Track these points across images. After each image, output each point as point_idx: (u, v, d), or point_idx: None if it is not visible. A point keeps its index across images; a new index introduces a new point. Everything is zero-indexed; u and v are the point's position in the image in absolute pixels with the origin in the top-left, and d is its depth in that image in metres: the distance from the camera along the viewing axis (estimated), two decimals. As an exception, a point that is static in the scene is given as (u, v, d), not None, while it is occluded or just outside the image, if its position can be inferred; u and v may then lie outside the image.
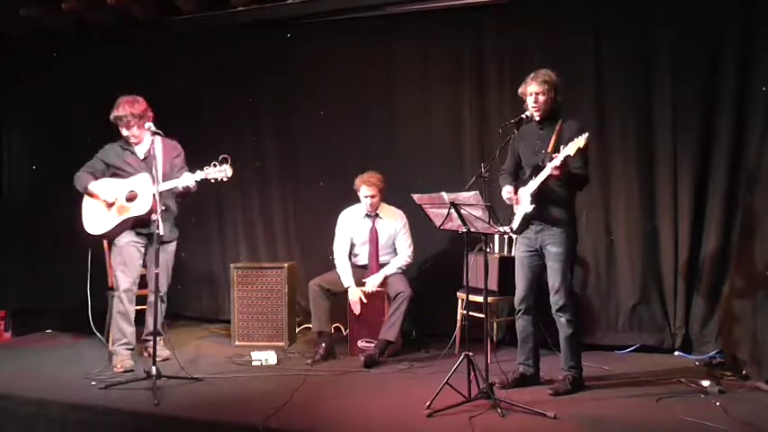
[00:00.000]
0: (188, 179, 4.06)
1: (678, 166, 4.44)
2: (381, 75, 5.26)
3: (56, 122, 5.81)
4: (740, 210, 4.20)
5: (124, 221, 4.12)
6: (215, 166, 4.02)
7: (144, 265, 4.29)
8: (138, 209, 4.07)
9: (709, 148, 4.36)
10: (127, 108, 4.10)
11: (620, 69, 4.56)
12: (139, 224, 4.14)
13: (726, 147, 4.27)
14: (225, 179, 4.04)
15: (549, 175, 3.42)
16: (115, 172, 4.21)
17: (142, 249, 4.24)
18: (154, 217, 3.80)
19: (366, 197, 4.57)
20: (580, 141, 3.28)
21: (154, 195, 3.89)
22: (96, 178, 4.18)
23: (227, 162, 4.01)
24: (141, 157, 4.22)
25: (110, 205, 4.12)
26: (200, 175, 4.05)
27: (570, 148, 3.29)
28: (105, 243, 4.56)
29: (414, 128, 5.16)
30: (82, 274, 4.63)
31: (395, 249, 4.70)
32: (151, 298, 4.19)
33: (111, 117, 4.13)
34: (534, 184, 3.51)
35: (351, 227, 4.72)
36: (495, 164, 3.64)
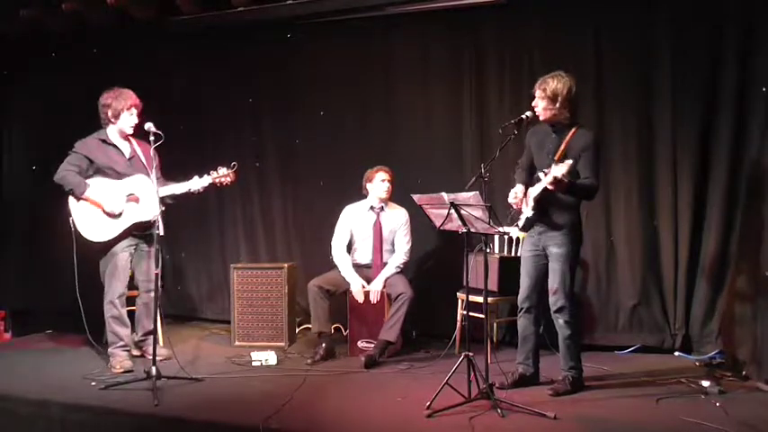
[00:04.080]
0: (197, 183, 4.09)
1: (678, 167, 4.44)
2: (381, 75, 5.25)
3: (56, 122, 5.80)
4: (740, 210, 4.20)
5: (129, 227, 4.09)
6: (218, 170, 4.06)
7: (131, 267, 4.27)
8: (144, 214, 4.04)
9: (709, 149, 4.36)
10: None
11: (620, 69, 4.56)
12: (138, 227, 4.13)
13: (726, 147, 4.26)
14: (228, 184, 4.13)
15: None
16: (101, 170, 4.13)
17: (133, 251, 4.22)
18: (154, 218, 3.79)
19: (383, 181, 4.61)
20: (562, 168, 3.23)
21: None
22: (84, 179, 4.10)
23: (231, 168, 4.04)
24: (127, 156, 4.20)
25: (115, 215, 4.07)
26: (207, 179, 4.09)
27: (560, 169, 3.25)
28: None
29: (414, 128, 5.15)
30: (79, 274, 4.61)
31: (393, 247, 4.70)
32: (147, 299, 4.20)
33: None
34: (536, 189, 3.51)
35: (353, 221, 4.73)
36: (496, 164, 3.63)
